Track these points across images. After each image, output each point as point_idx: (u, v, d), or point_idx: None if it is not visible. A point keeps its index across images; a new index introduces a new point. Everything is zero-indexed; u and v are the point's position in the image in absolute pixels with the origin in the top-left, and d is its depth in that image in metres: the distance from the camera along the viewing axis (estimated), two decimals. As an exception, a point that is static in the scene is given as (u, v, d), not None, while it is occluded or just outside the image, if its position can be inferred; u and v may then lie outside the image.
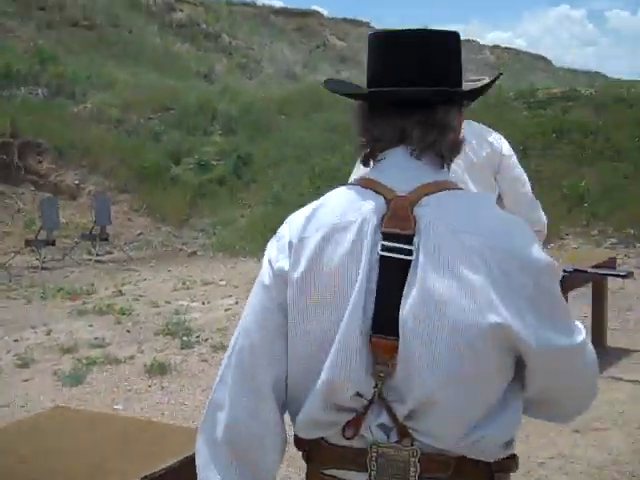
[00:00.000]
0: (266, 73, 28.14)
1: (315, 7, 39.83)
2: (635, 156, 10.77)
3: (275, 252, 1.32)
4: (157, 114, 15.18)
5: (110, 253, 11.65)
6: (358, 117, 1.35)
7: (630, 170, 10.57)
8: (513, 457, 1.29)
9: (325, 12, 40.12)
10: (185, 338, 6.47)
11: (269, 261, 1.32)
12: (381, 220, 1.24)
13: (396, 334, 1.19)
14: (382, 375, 1.20)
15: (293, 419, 1.31)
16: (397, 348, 1.19)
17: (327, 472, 1.27)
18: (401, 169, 1.29)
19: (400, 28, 1.36)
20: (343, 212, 1.27)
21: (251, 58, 29.27)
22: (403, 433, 1.22)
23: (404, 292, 1.19)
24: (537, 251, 1.23)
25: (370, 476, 1.22)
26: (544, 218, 3.05)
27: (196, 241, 12.04)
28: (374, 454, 1.22)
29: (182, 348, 6.24)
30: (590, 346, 1.32)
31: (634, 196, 9.99)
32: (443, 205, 1.24)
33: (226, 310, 7.58)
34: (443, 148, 1.30)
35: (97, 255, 11.06)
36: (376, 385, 1.20)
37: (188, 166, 13.80)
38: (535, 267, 1.21)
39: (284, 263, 1.28)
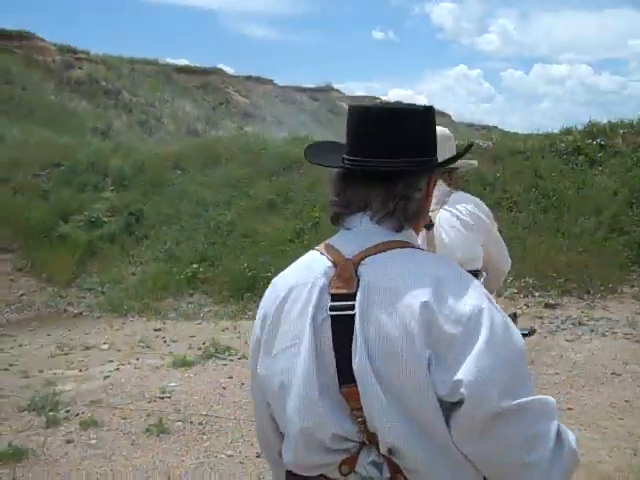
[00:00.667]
0: (167, 130, 27.71)
1: (219, 65, 39.27)
2: (532, 207, 10.78)
3: (256, 323, 1.55)
4: (45, 171, 14.43)
5: (-13, 317, 10.77)
6: (333, 182, 1.54)
7: (528, 221, 10.54)
8: None
9: (230, 70, 39.90)
10: (52, 414, 5.80)
11: (255, 329, 1.56)
12: (329, 282, 1.41)
13: (355, 382, 1.33)
14: (360, 420, 1.34)
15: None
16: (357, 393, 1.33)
17: None
18: (357, 234, 1.47)
19: (375, 103, 1.58)
20: (299, 275, 1.47)
21: (151, 115, 28.79)
22: (394, 469, 1.35)
23: (352, 345, 1.34)
24: (457, 304, 1.33)
25: None
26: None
27: (83, 301, 11.29)
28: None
29: (47, 427, 5.56)
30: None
31: (532, 246, 9.94)
32: (381, 263, 1.40)
33: (105, 378, 6.96)
34: (402, 216, 1.46)
35: (-30, 320, 10.18)
36: (359, 429, 1.35)
37: (77, 223, 13.09)
38: (455, 317, 1.32)
39: (258, 331, 1.53)
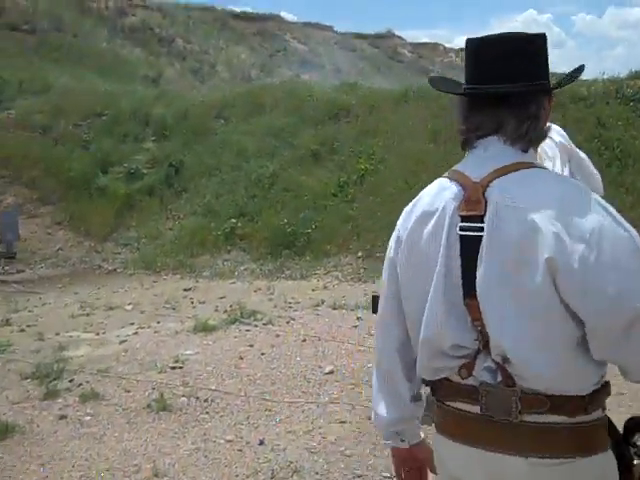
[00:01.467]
0: (221, 77, 27.12)
1: (278, 12, 38.40)
2: (594, 159, 9.83)
3: (391, 242, 1.68)
4: (86, 120, 14.03)
5: (22, 272, 10.52)
6: (460, 109, 1.60)
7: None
8: (604, 387, 1.51)
9: (288, 17, 38.98)
10: (53, 383, 5.38)
11: (390, 248, 1.68)
12: (459, 205, 1.51)
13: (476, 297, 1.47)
14: (479, 329, 1.48)
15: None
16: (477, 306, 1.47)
17: (448, 403, 1.58)
18: (487, 156, 1.55)
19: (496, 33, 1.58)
20: (431, 201, 1.57)
21: (205, 62, 28.22)
22: (506, 375, 1.47)
23: (477, 263, 1.47)
24: (580, 221, 1.40)
25: (481, 409, 1.50)
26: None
27: (118, 257, 10.95)
28: (483, 391, 1.49)
29: (44, 399, 5.13)
30: None
31: None
32: (509, 184, 1.48)
33: (120, 343, 6.54)
34: (533, 137, 1.55)
35: (1, 275, 9.92)
36: (477, 337, 1.49)
37: (117, 175, 12.71)
38: (578, 232, 1.39)
39: (392, 252, 1.66)
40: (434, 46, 41.50)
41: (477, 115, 1.56)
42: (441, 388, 1.60)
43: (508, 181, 1.48)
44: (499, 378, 1.48)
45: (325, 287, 8.73)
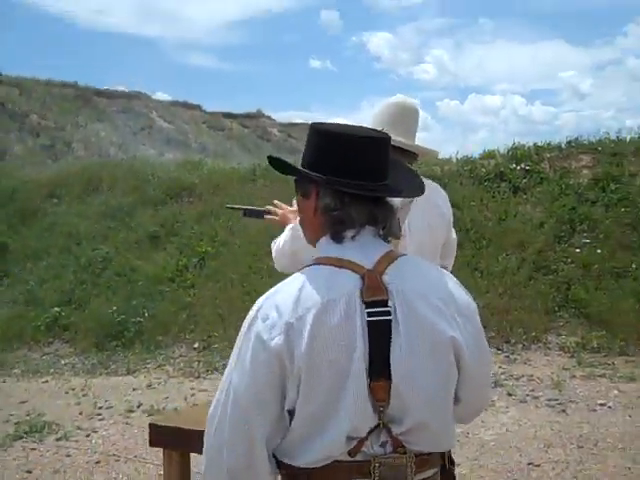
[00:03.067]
0: (76, 155, 25.85)
1: (143, 91, 37.69)
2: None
3: (266, 333, 1.53)
4: None
5: None
6: (335, 200, 1.65)
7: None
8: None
9: (155, 95, 38.35)
10: None
11: (260, 341, 1.54)
12: (360, 292, 1.55)
13: (389, 378, 1.53)
14: (382, 409, 1.55)
15: (292, 458, 1.59)
16: (390, 389, 1.54)
17: None
18: (363, 246, 1.63)
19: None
20: (328, 290, 1.54)
21: (60, 139, 26.89)
22: (397, 444, 1.57)
23: (392, 346, 1.53)
24: (460, 298, 1.69)
25: None
26: None
27: None
28: (377, 464, 1.55)
29: None
30: None
31: None
32: (402, 271, 1.61)
33: None
34: (393, 229, 1.72)
35: None
36: (379, 417, 1.55)
37: None
38: (471, 310, 1.70)
39: (280, 341, 1.51)
40: (304, 126, 41.71)
41: (352, 207, 1.62)
42: (326, 471, 1.56)
43: (397, 268, 1.61)
44: (389, 448, 1.57)
45: (149, 385, 7.66)
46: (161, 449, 3.10)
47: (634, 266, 8.42)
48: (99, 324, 9.29)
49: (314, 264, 1.64)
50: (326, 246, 1.67)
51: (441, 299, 1.61)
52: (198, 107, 39.33)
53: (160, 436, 3.03)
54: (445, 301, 1.61)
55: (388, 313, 1.54)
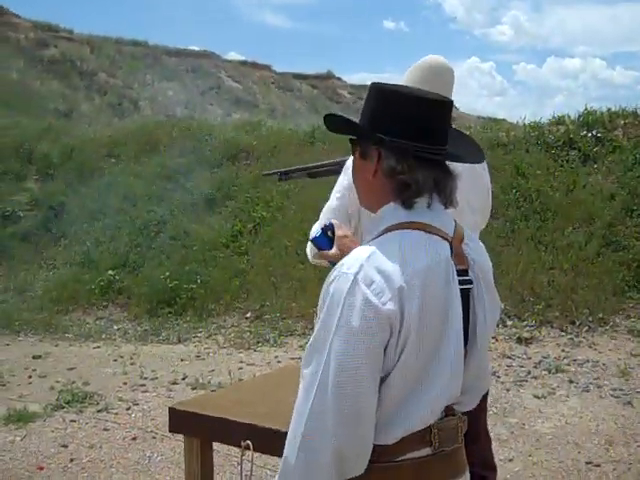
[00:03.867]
0: (143, 114, 25.86)
1: (213, 49, 37.54)
2: (511, 212, 8.87)
3: (376, 297, 1.46)
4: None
5: None
6: (405, 165, 1.58)
7: (504, 229, 8.66)
8: None
9: (224, 54, 38.16)
10: None
11: (370, 305, 1.45)
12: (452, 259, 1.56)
13: (466, 345, 1.58)
14: None
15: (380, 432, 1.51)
16: (467, 354, 1.59)
17: (399, 459, 1.54)
18: (439, 214, 1.61)
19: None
20: (428, 254, 1.52)
21: (127, 98, 26.95)
22: (449, 408, 1.60)
23: (477, 316, 1.60)
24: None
25: (434, 447, 1.56)
26: None
27: (-25, 314, 9.49)
28: (435, 430, 1.55)
29: None
30: None
31: (507, 261, 8.23)
32: (472, 242, 1.65)
33: None
34: (454, 196, 1.65)
35: None
36: None
37: (-10, 218, 11.27)
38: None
39: (392, 305, 1.45)
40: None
41: (419, 173, 1.56)
42: (395, 446, 1.52)
43: (470, 239, 1.64)
44: (443, 412, 1.58)
45: (198, 356, 7.47)
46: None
47: None
48: (152, 289, 9.14)
49: (403, 229, 1.57)
50: (394, 212, 1.60)
51: (491, 279, 1.68)
52: (267, 67, 38.98)
53: (180, 421, 2.79)
54: (492, 280, 1.69)
55: (470, 282, 1.58)
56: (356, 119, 1.68)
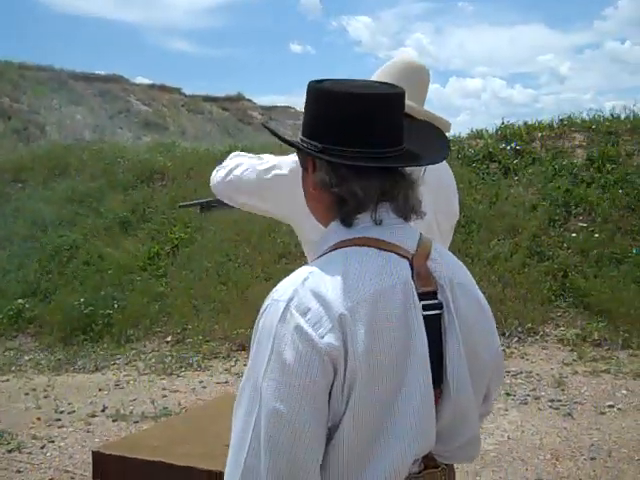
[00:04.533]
0: (50, 139, 25.06)
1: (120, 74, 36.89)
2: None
3: (311, 329, 1.21)
4: None
5: None
6: (342, 175, 1.37)
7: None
8: None
9: (133, 78, 37.57)
10: None
11: (305, 339, 1.20)
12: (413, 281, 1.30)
13: (439, 385, 1.30)
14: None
15: None
16: (440, 396, 1.31)
17: None
18: (394, 228, 1.35)
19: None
20: (381, 276, 1.27)
21: (33, 123, 26.09)
22: (428, 458, 1.32)
23: (445, 347, 1.31)
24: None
25: None
26: None
27: None
28: None
29: None
30: None
31: None
32: (444, 259, 1.38)
33: None
34: (414, 204, 1.40)
35: None
36: None
37: None
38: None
39: (331, 338, 1.20)
40: (285, 109, 41.17)
41: (363, 182, 1.32)
42: None
43: (438, 254, 1.38)
44: (422, 465, 1.32)
45: (117, 384, 7.08)
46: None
47: (634, 251, 7.93)
48: (66, 317, 8.69)
49: (349, 246, 1.32)
50: (337, 229, 1.37)
51: (479, 297, 1.44)
52: (177, 90, 38.55)
53: (106, 467, 2.51)
54: (481, 298, 1.44)
55: (439, 306, 1.32)
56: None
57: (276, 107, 40.38)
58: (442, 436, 1.32)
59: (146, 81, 37.89)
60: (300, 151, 1.43)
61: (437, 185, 2.22)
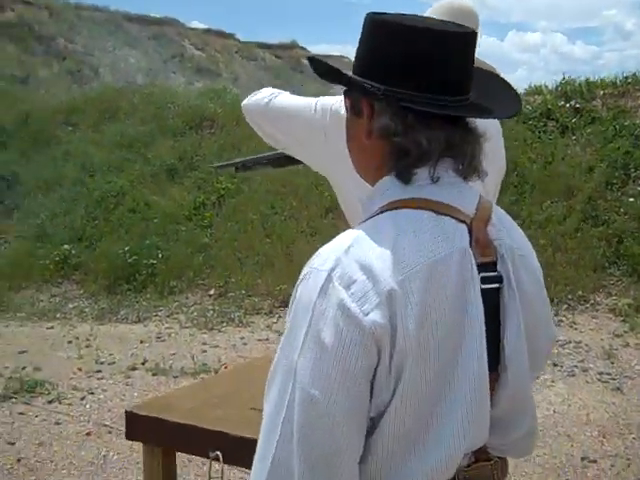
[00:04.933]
0: (103, 81, 25.09)
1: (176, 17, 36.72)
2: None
3: (355, 304, 1.06)
4: None
5: None
6: (402, 124, 1.18)
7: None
8: None
9: (188, 22, 37.40)
10: None
11: (347, 316, 1.05)
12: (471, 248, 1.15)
13: (496, 368, 1.16)
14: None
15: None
16: (496, 382, 1.17)
17: None
18: (452, 187, 1.20)
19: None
20: (432, 245, 1.12)
21: (87, 64, 26.11)
22: (480, 450, 1.19)
23: (503, 326, 1.17)
24: None
25: None
26: None
27: None
28: (461, 478, 1.16)
29: None
30: None
31: None
32: (504, 225, 1.24)
33: None
34: (477, 163, 1.24)
35: None
36: None
37: None
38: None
39: (378, 316, 1.06)
40: (338, 58, 40.44)
41: (426, 134, 1.15)
42: None
43: (498, 219, 1.22)
44: (472, 458, 1.18)
45: (159, 337, 7.03)
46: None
47: (697, 219, 7.53)
48: (110, 265, 8.66)
49: (398, 208, 1.16)
50: (390, 187, 1.19)
51: (538, 273, 1.28)
52: (231, 36, 38.29)
53: (139, 428, 2.42)
54: (540, 275, 1.29)
55: (499, 279, 1.16)
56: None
57: (330, 56, 39.73)
58: (498, 427, 1.19)
59: (201, 26, 37.61)
60: (354, 92, 1.23)
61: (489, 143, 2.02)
